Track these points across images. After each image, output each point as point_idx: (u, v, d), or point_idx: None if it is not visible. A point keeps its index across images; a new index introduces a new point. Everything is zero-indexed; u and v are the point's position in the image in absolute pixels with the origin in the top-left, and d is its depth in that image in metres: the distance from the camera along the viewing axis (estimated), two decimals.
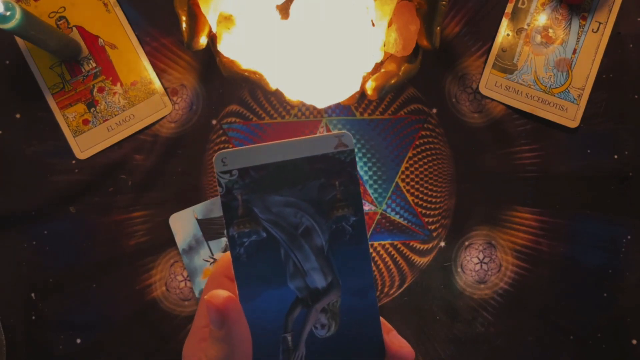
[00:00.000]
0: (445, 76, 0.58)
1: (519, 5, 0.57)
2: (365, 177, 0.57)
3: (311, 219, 0.31)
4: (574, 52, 0.56)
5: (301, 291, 0.31)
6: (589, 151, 0.57)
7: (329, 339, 0.31)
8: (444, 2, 0.46)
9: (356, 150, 0.57)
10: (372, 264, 0.57)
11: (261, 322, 0.31)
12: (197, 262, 0.56)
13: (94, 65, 0.57)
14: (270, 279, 0.31)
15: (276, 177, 0.30)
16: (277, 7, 0.47)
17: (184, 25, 0.47)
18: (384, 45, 0.48)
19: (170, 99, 0.57)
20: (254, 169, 0.30)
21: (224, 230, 0.56)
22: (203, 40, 0.47)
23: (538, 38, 0.57)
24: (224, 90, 0.58)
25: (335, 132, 0.31)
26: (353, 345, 0.31)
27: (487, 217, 0.57)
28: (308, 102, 0.47)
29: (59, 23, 0.57)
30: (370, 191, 0.57)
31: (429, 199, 0.57)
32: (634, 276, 0.56)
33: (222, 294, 0.30)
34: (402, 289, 0.57)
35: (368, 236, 0.31)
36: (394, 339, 0.32)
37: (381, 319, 0.32)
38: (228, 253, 0.33)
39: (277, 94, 0.49)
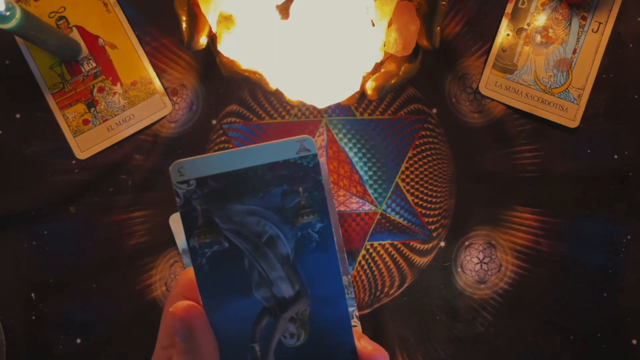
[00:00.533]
0: (445, 76, 0.58)
1: (519, 5, 0.57)
2: (365, 177, 0.57)
3: (275, 227, 0.30)
4: (574, 52, 0.56)
5: (268, 300, 0.30)
6: (589, 151, 0.57)
7: (298, 348, 0.30)
8: (444, 2, 0.46)
9: (356, 150, 0.57)
10: (374, 264, 0.57)
11: (228, 333, 0.30)
12: None
13: (94, 65, 0.57)
14: (235, 289, 0.30)
15: (236, 185, 0.29)
16: (277, 7, 0.47)
17: (184, 25, 0.47)
18: (384, 45, 0.48)
19: (170, 99, 0.57)
20: (212, 178, 0.29)
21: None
22: (203, 40, 0.47)
23: (538, 38, 0.57)
24: (224, 90, 0.58)
25: (296, 136, 0.31)
26: (324, 353, 0.31)
27: (487, 217, 0.57)
28: (308, 102, 0.47)
29: (59, 23, 0.57)
30: (370, 191, 0.57)
31: (429, 199, 0.57)
32: (634, 276, 0.56)
33: (185, 303, 0.29)
34: (402, 289, 0.57)
35: (336, 243, 0.30)
36: (366, 344, 0.31)
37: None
38: (184, 271, 0.32)
39: (277, 94, 0.49)
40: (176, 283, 0.32)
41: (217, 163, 0.29)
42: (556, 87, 0.56)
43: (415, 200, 0.57)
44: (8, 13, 0.47)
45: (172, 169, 0.29)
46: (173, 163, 0.29)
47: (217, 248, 0.30)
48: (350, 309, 0.56)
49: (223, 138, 0.58)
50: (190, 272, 0.31)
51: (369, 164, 0.57)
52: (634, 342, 0.56)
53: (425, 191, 0.57)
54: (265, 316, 0.30)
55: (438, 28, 0.46)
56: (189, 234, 0.29)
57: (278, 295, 0.30)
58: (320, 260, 0.30)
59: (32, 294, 0.56)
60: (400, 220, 0.57)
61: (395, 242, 0.57)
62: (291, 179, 0.30)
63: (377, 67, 0.50)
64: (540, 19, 0.57)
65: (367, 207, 0.57)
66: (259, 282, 0.30)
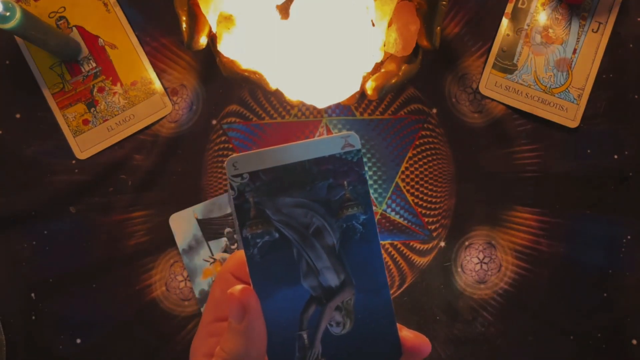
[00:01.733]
0: (445, 76, 0.58)
1: (519, 5, 0.57)
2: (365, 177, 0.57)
3: (322, 219, 0.31)
4: (574, 52, 0.56)
5: (315, 290, 0.31)
6: (589, 151, 0.57)
7: (344, 336, 0.32)
8: (444, 2, 0.46)
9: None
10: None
11: (276, 321, 0.31)
12: (197, 262, 0.56)
13: (94, 65, 0.57)
14: (284, 278, 0.31)
15: (285, 179, 0.31)
16: (277, 7, 0.47)
17: (184, 25, 0.47)
18: (384, 45, 0.48)
19: (170, 99, 0.57)
20: (263, 172, 0.31)
21: (224, 230, 0.56)
22: (203, 40, 0.47)
23: (538, 38, 0.57)
24: (224, 90, 0.58)
25: (341, 132, 0.32)
26: (369, 342, 0.32)
27: (487, 217, 0.57)
28: (308, 102, 0.47)
29: (59, 23, 0.57)
30: (370, 191, 0.57)
31: (429, 199, 0.57)
32: (634, 276, 0.56)
33: (241, 286, 0.31)
34: (402, 289, 0.57)
35: (379, 235, 0.32)
36: (408, 332, 0.32)
37: None
38: (236, 252, 0.34)
39: (277, 94, 0.49)
40: (227, 261, 0.34)
41: (268, 157, 0.31)
42: (556, 87, 0.56)
43: (415, 200, 0.57)
44: (8, 13, 0.47)
45: (227, 163, 0.31)
46: (228, 158, 0.31)
47: (268, 238, 0.31)
48: None
49: (223, 138, 0.58)
50: (241, 252, 0.32)
51: (369, 164, 0.57)
52: (634, 342, 0.56)
53: (425, 191, 0.57)
54: (312, 305, 0.31)
55: (438, 28, 0.46)
56: (242, 225, 0.31)
57: (324, 284, 0.31)
58: (364, 251, 0.32)
59: (32, 294, 0.56)
60: (400, 220, 0.57)
61: (395, 242, 0.57)
62: (336, 173, 0.31)
63: (377, 67, 0.50)
64: (540, 19, 0.57)
65: None
66: (307, 272, 0.31)
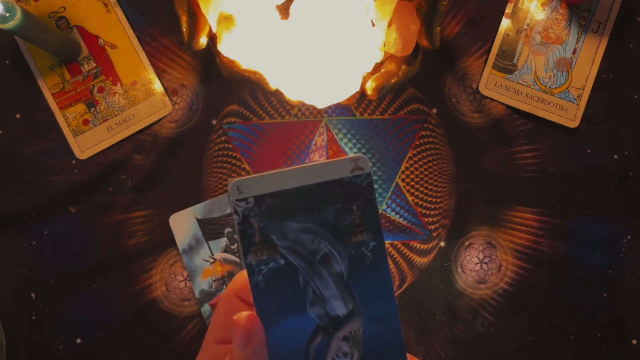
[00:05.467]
0: (445, 76, 0.58)
1: (519, 5, 0.57)
2: None
3: (329, 245, 0.30)
4: (574, 52, 0.56)
5: (322, 319, 0.30)
6: (589, 151, 0.57)
7: None
8: (444, 2, 0.46)
9: (356, 150, 0.57)
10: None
11: (281, 351, 0.30)
12: (197, 262, 0.56)
13: (94, 65, 0.57)
14: (289, 306, 0.30)
15: (292, 203, 0.30)
16: (277, 7, 0.47)
17: (184, 25, 0.47)
18: (384, 45, 0.48)
19: (170, 99, 0.57)
20: (269, 195, 0.30)
21: (224, 230, 0.56)
22: (203, 40, 0.47)
23: (538, 38, 0.57)
24: (224, 90, 0.58)
25: (351, 155, 0.31)
26: None
27: (487, 217, 0.57)
28: (308, 102, 0.47)
29: (59, 23, 0.57)
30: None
31: (429, 199, 0.57)
32: (634, 276, 0.56)
33: (247, 314, 0.30)
34: (402, 289, 0.57)
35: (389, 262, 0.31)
36: None
37: None
38: (241, 273, 0.33)
39: (277, 94, 0.49)
40: (232, 281, 0.33)
41: (274, 181, 0.30)
42: (556, 87, 0.56)
43: (415, 200, 0.57)
44: (8, 13, 0.47)
45: (231, 187, 0.29)
46: (232, 181, 0.29)
47: (273, 265, 0.30)
48: None
49: (223, 138, 0.58)
50: (244, 273, 0.32)
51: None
52: (634, 342, 0.56)
53: (425, 191, 0.57)
54: (318, 334, 0.30)
55: (438, 28, 0.46)
56: (246, 251, 0.30)
57: (332, 313, 0.30)
58: (374, 279, 0.30)
59: (32, 294, 0.56)
60: (400, 220, 0.57)
61: (395, 242, 0.57)
62: (345, 198, 0.30)
63: (377, 67, 0.50)
64: (540, 19, 0.57)
65: None
66: (313, 300, 0.30)
